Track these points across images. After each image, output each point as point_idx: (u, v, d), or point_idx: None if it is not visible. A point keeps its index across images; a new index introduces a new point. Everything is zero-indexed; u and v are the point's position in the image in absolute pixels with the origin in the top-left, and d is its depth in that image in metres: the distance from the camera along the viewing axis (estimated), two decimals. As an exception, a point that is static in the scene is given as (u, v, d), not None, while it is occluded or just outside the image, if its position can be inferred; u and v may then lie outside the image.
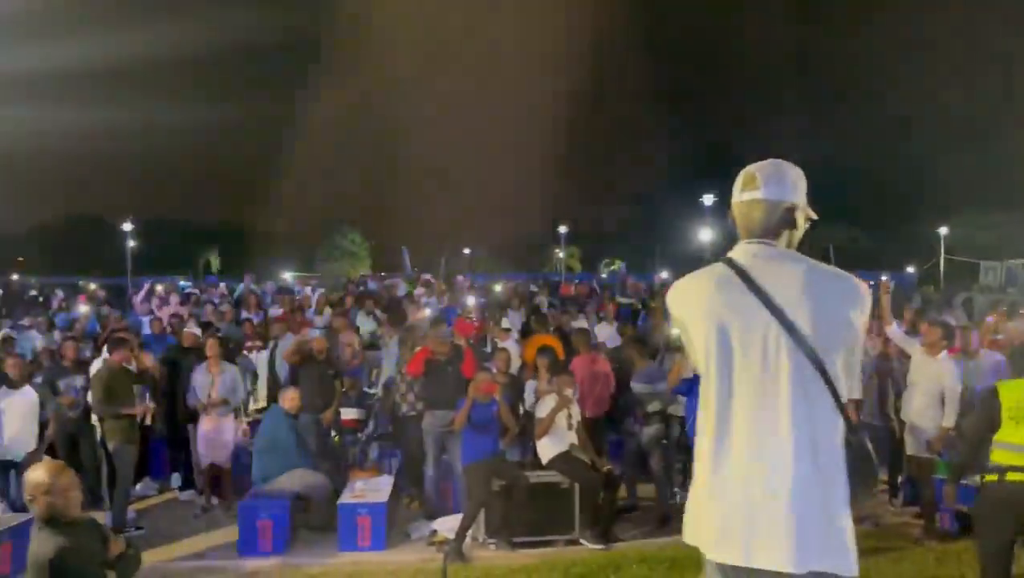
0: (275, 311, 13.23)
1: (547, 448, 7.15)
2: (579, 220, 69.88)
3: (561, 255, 63.73)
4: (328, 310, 12.97)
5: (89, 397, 7.90)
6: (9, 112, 67.40)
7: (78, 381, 8.28)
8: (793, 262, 2.28)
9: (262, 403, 9.84)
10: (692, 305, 2.31)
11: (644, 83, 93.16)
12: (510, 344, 9.66)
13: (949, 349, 7.13)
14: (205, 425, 8.09)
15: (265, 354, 10.30)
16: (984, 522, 4.54)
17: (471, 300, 13.17)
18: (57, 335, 11.71)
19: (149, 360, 8.38)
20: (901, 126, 79.71)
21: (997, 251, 34.38)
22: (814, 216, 2.37)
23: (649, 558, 6.32)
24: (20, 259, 58.23)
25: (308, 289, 20.01)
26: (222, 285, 23.16)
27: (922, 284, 29.56)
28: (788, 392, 2.15)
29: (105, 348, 8.15)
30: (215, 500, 8.19)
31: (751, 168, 2.38)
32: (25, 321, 13.09)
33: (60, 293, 20.91)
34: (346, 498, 7.12)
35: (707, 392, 2.27)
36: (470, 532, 6.80)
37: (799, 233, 2.35)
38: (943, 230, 48.11)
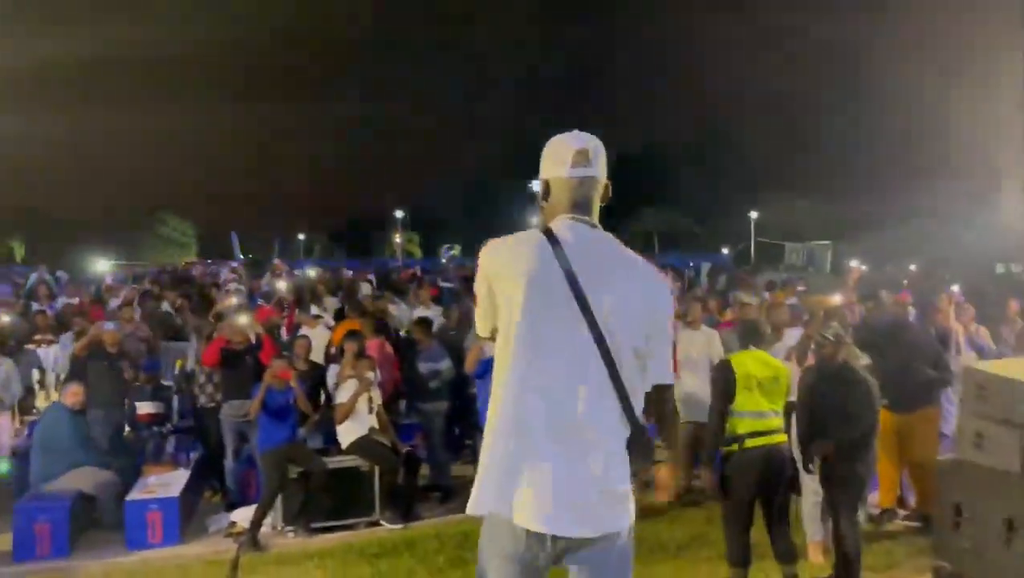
0: (64, 300, 12.44)
1: (347, 432, 7.17)
2: (419, 206, 69.98)
3: (399, 240, 63.41)
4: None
5: None
6: None
7: None
8: (608, 245, 2.35)
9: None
10: (505, 262, 2.31)
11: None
12: (319, 331, 9.56)
13: (722, 323, 7.76)
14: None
15: (57, 348, 9.69)
16: (730, 484, 4.74)
17: (281, 285, 12.90)
18: None
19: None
20: (721, 111, 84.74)
21: (800, 234, 37.61)
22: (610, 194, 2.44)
23: (442, 533, 6.48)
24: None
25: (109, 278, 18.97)
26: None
27: (738, 264, 31.59)
28: (583, 367, 2.22)
29: None
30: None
31: (578, 144, 2.37)
32: None
33: None
34: (134, 495, 6.84)
35: (504, 350, 2.29)
36: (268, 520, 6.73)
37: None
38: (753, 214, 51.68)
